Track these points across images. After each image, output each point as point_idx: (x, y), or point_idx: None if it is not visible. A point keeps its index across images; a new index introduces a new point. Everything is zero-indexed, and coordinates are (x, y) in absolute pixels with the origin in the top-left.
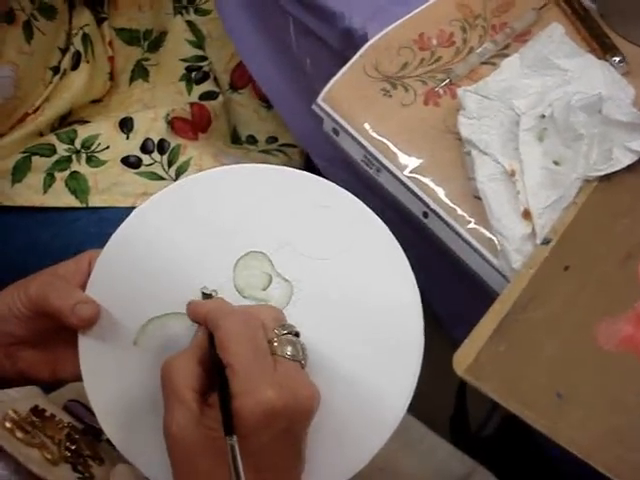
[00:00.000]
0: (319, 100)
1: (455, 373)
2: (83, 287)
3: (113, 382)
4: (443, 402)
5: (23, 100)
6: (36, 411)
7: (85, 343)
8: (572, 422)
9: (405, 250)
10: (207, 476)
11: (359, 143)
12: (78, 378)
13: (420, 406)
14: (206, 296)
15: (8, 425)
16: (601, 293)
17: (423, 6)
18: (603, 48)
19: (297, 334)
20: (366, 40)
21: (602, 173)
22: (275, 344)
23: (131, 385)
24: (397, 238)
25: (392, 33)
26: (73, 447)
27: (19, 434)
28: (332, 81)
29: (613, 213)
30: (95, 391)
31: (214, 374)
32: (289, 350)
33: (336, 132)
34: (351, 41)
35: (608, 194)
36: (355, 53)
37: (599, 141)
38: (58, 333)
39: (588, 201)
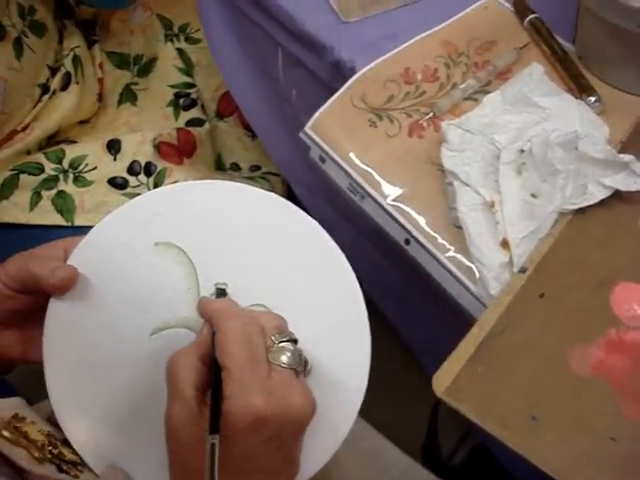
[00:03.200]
0: (307, 128)
1: (425, 403)
2: None
3: (70, 360)
4: (415, 430)
5: (10, 116)
6: (18, 418)
7: (53, 314)
8: (546, 443)
9: (380, 280)
10: (196, 472)
11: (345, 171)
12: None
13: (392, 434)
14: (220, 291)
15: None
16: (574, 320)
17: (409, 42)
18: (580, 88)
19: (295, 341)
20: (354, 72)
21: (577, 207)
22: (272, 351)
23: (87, 365)
24: (373, 268)
25: (379, 67)
26: (55, 451)
27: (5, 433)
28: (320, 110)
29: (587, 244)
30: (51, 364)
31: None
32: (285, 358)
33: (322, 160)
34: (339, 73)
35: (582, 226)
36: (343, 85)
37: (574, 176)
38: (30, 314)
39: (563, 233)
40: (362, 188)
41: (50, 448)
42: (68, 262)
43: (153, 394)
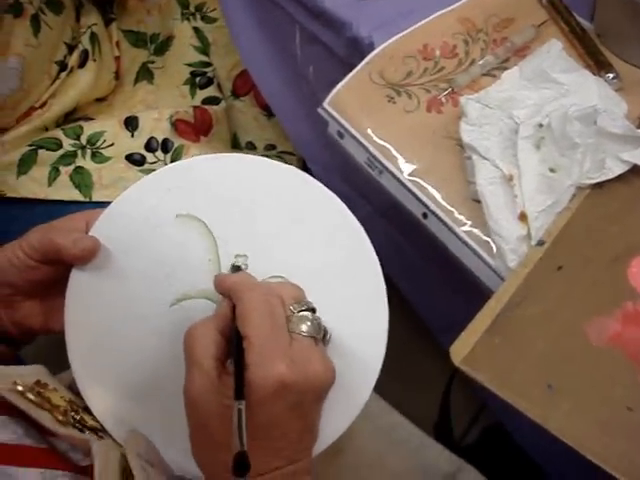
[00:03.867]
0: (325, 104)
1: (438, 383)
2: None
3: (91, 329)
4: (427, 410)
5: (28, 93)
6: (40, 384)
7: (75, 283)
8: (562, 412)
9: (396, 257)
10: (218, 441)
11: (363, 146)
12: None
13: (405, 413)
14: (235, 268)
15: (20, 388)
16: (592, 292)
17: (428, 19)
18: (598, 65)
19: (314, 310)
20: (372, 49)
21: (595, 181)
22: (292, 321)
23: (108, 334)
24: (389, 245)
25: (398, 43)
26: (77, 417)
27: (30, 396)
28: (338, 86)
29: (604, 219)
30: (73, 333)
31: (232, 344)
32: (305, 327)
33: (341, 135)
34: (357, 49)
35: (600, 201)
36: (361, 61)
37: (593, 151)
38: (52, 285)
39: (581, 207)
40: (380, 163)
41: (72, 414)
42: (90, 234)
43: (173, 364)
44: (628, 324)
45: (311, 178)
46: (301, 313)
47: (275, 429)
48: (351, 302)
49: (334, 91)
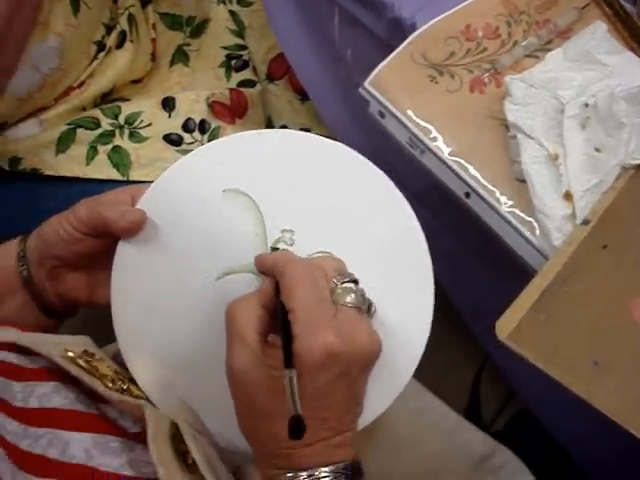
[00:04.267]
0: (366, 84)
1: (468, 370)
2: None
3: (138, 299)
4: (457, 396)
5: (67, 72)
6: (87, 353)
7: (121, 256)
8: (608, 389)
9: (431, 243)
10: (265, 411)
11: (404, 126)
12: (110, 302)
13: None
14: (274, 250)
15: (71, 354)
16: (636, 272)
17: (470, 0)
18: None
19: (356, 282)
20: (414, 29)
21: None
22: (337, 292)
23: (153, 307)
24: (424, 230)
25: (440, 24)
26: (124, 386)
27: (81, 362)
28: (380, 66)
29: None
30: (119, 305)
31: (277, 318)
32: (349, 298)
33: (382, 115)
34: (398, 30)
35: None
36: (401, 43)
37: (639, 131)
38: (97, 258)
39: (626, 187)
40: (422, 142)
41: (120, 383)
42: (137, 207)
43: (217, 337)
44: None
45: (358, 154)
46: (344, 284)
47: (322, 399)
48: (397, 279)
49: (375, 71)
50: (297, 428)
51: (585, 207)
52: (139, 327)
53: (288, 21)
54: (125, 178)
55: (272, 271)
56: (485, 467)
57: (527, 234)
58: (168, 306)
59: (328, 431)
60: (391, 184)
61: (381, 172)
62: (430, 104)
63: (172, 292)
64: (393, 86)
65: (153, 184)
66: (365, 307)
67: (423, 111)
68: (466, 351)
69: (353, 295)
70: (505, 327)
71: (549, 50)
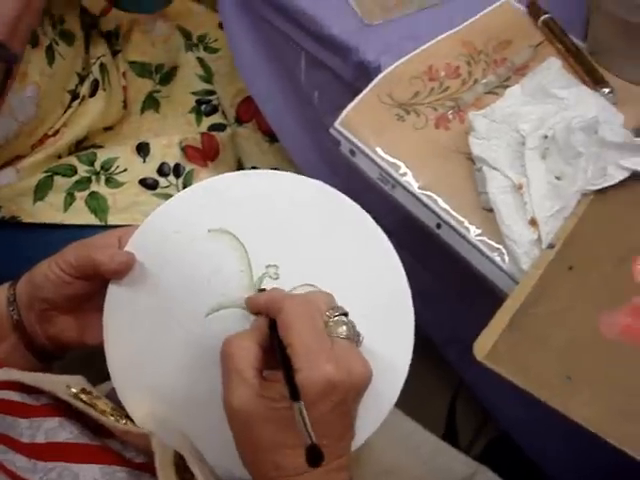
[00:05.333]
0: (336, 124)
1: (444, 395)
2: None
3: (130, 339)
4: (434, 422)
5: (43, 121)
6: (85, 391)
7: (112, 297)
8: (581, 401)
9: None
10: (267, 443)
11: (375, 163)
12: (100, 343)
13: None
14: (261, 290)
15: (74, 391)
16: (601, 289)
17: (431, 42)
18: (594, 81)
19: (346, 314)
20: (379, 71)
21: (598, 187)
22: (330, 325)
23: (146, 345)
24: None
25: (404, 65)
26: (122, 422)
27: (84, 398)
28: (349, 107)
29: (608, 222)
30: (112, 347)
31: (274, 354)
32: (342, 330)
33: (353, 153)
34: (364, 73)
35: (603, 205)
36: (367, 84)
37: (595, 159)
38: (87, 300)
39: (586, 211)
40: (392, 178)
41: (118, 418)
42: (125, 249)
43: (210, 371)
44: (637, 318)
45: (335, 190)
46: (336, 317)
47: (322, 427)
48: (378, 308)
49: (345, 112)
50: (314, 456)
51: (550, 232)
52: (132, 365)
53: (255, 66)
54: (103, 223)
55: (265, 309)
56: None
57: (497, 260)
58: (160, 343)
59: (327, 456)
60: (368, 217)
61: (358, 206)
62: (398, 141)
63: (163, 330)
64: (362, 125)
65: (140, 226)
66: (357, 338)
67: (392, 148)
68: (440, 378)
69: (345, 327)
70: (482, 348)
71: (507, 87)
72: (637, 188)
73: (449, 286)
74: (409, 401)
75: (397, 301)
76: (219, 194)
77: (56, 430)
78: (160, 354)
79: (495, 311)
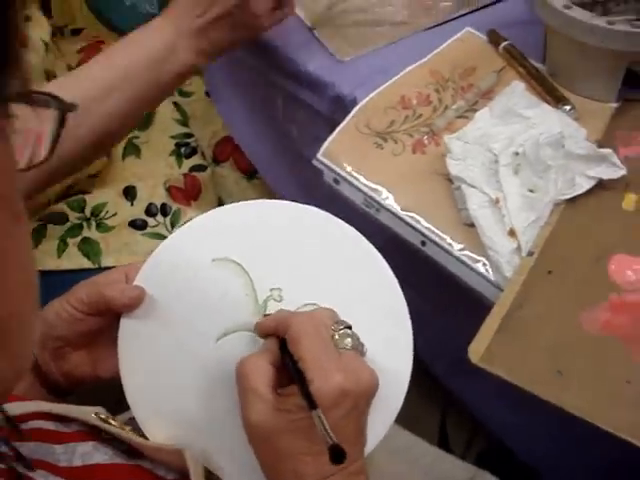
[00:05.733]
0: (319, 155)
1: (435, 410)
2: None
3: (145, 368)
4: (427, 437)
5: None
6: (111, 418)
7: (125, 331)
8: (573, 393)
9: None
10: (289, 452)
11: (358, 189)
12: (114, 376)
13: None
14: (266, 315)
15: (102, 416)
16: (581, 289)
17: (401, 74)
18: (556, 100)
19: (350, 327)
20: (355, 104)
21: (568, 197)
22: (336, 338)
23: (161, 373)
24: None
25: (378, 97)
26: None
27: (113, 422)
28: (330, 138)
29: (581, 227)
30: (129, 376)
31: (285, 371)
32: (348, 342)
33: (337, 182)
34: (340, 106)
35: (575, 213)
36: (345, 116)
37: (563, 171)
38: (100, 335)
39: (560, 219)
40: (376, 202)
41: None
42: (134, 284)
43: (226, 392)
44: (616, 313)
45: (327, 213)
46: (342, 330)
47: (337, 432)
48: (377, 321)
49: (326, 143)
50: (337, 455)
51: (528, 240)
52: (150, 392)
53: (233, 105)
54: (97, 266)
55: (274, 330)
56: None
57: (481, 270)
58: (175, 370)
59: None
60: (361, 237)
61: (351, 227)
62: (379, 167)
63: (177, 357)
64: (344, 155)
65: (147, 260)
66: (361, 348)
67: (373, 174)
68: (430, 394)
69: (350, 339)
70: (476, 352)
71: (476, 110)
72: (603, 194)
73: (434, 302)
74: (402, 417)
75: (395, 314)
76: (219, 225)
77: (91, 453)
78: (176, 380)
79: (479, 324)
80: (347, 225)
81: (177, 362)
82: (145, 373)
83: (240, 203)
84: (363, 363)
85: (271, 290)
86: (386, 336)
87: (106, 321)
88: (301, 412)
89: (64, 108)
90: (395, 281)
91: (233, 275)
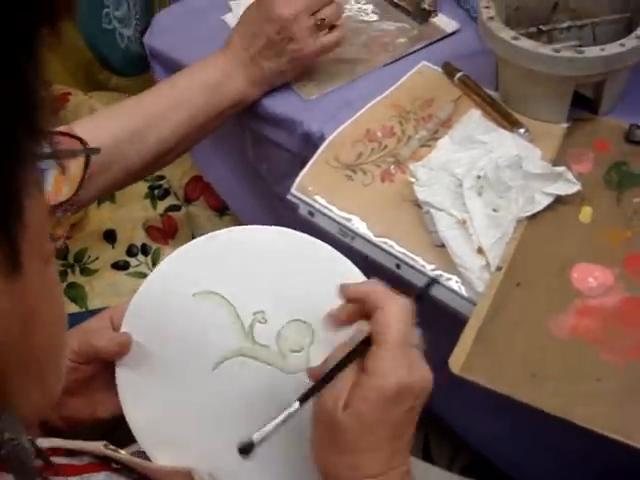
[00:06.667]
0: (293, 190)
1: (419, 428)
2: None
3: (148, 406)
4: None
5: None
6: (116, 450)
7: (122, 375)
8: (547, 393)
9: None
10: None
11: (333, 220)
12: (113, 415)
13: None
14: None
15: (112, 447)
16: (548, 297)
17: (364, 108)
18: (510, 124)
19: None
20: (323, 140)
21: (529, 214)
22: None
23: (164, 409)
24: None
25: (344, 131)
26: None
27: (122, 452)
28: (301, 174)
29: (544, 241)
30: (133, 415)
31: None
32: (414, 340)
33: (311, 214)
34: (309, 143)
35: (537, 228)
36: (314, 152)
37: (523, 190)
38: (95, 379)
39: (523, 235)
40: (351, 230)
41: None
42: (121, 330)
43: (229, 418)
44: (581, 317)
45: (294, 231)
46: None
47: (399, 428)
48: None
49: (298, 178)
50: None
51: (495, 256)
52: (155, 428)
53: (202, 144)
54: (84, 309)
55: (367, 300)
56: None
57: (454, 287)
58: (177, 404)
59: (399, 459)
60: (332, 249)
61: (319, 241)
62: (351, 198)
63: (176, 390)
64: (316, 188)
65: (129, 306)
66: (421, 348)
67: (346, 205)
68: None
69: (418, 336)
70: (456, 363)
71: (438, 139)
72: (561, 209)
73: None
74: None
75: None
76: (192, 260)
77: None
78: (178, 412)
79: (455, 338)
80: (315, 239)
81: (178, 395)
82: (147, 409)
83: (209, 234)
84: (423, 362)
85: (254, 314)
86: None
87: (100, 367)
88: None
89: (89, 153)
90: None
91: (215, 305)
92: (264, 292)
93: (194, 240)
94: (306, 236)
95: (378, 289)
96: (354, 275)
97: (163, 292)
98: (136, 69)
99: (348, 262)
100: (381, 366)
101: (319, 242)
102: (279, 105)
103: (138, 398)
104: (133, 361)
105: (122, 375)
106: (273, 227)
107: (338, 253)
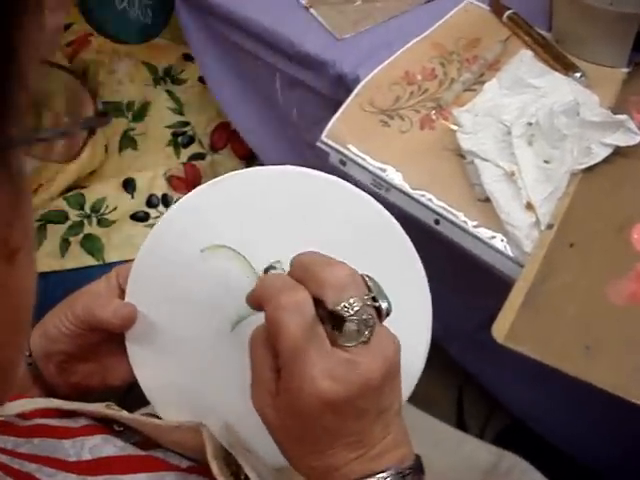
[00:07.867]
0: (323, 137)
1: (451, 390)
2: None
3: (161, 372)
4: (443, 417)
5: (39, 172)
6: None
7: (131, 341)
8: (602, 367)
9: None
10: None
11: (366, 169)
12: (125, 382)
13: None
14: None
15: (115, 407)
16: (605, 260)
17: (404, 48)
18: (565, 67)
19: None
20: (358, 82)
21: (585, 166)
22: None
23: (177, 373)
24: None
25: (381, 73)
26: None
27: (126, 413)
28: (333, 119)
29: (600, 197)
30: (147, 383)
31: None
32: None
33: (343, 163)
34: (342, 86)
35: (593, 182)
36: (347, 96)
37: (579, 139)
38: (104, 345)
39: (577, 190)
40: (385, 181)
41: None
42: (126, 296)
43: (248, 378)
44: None
45: (328, 175)
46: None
47: (388, 398)
48: (394, 289)
49: (330, 124)
50: None
51: (546, 213)
52: (168, 388)
53: (230, 90)
54: (101, 262)
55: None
56: (495, 473)
57: (498, 246)
58: (194, 367)
59: (359, 450)
60: (374, 201)
61: (360, 190)
62: (386, 146)
63: (197, 355)
64: (349, 135)
65: (132, 268)
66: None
67: (381, 153)
68: (445, 374)
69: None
70: (500, 330)
71: (484, 82)
72: (621, 162)
73: (449, 282)
74: (418, 398)
75: (413, 284)
76: (197, 212)
77: (100, 446)
78: (196, 375)
79: (497, 302)
80: (355, 188)
81: (195, 360)
82: (161, 373)
83: (214, 180)
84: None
85: (270, 264)
86: (404, 311)
87: (107, 333)
88: None
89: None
90: (414, 251)
91: (227, 260)
92: (281, 242)
93: (195, 189)
94: (323, 174)
95: (268, 290)
96: (393, 230)
97: (167, 249)
98: (135, 37)
99: (388, 215)
100: (296, 387)
101: (354, 188)
102: (311, 44)
103: (150, 363)
104: (143, 327)
105: (132, 341)
106: (279, 166)
107: (376, 203)
